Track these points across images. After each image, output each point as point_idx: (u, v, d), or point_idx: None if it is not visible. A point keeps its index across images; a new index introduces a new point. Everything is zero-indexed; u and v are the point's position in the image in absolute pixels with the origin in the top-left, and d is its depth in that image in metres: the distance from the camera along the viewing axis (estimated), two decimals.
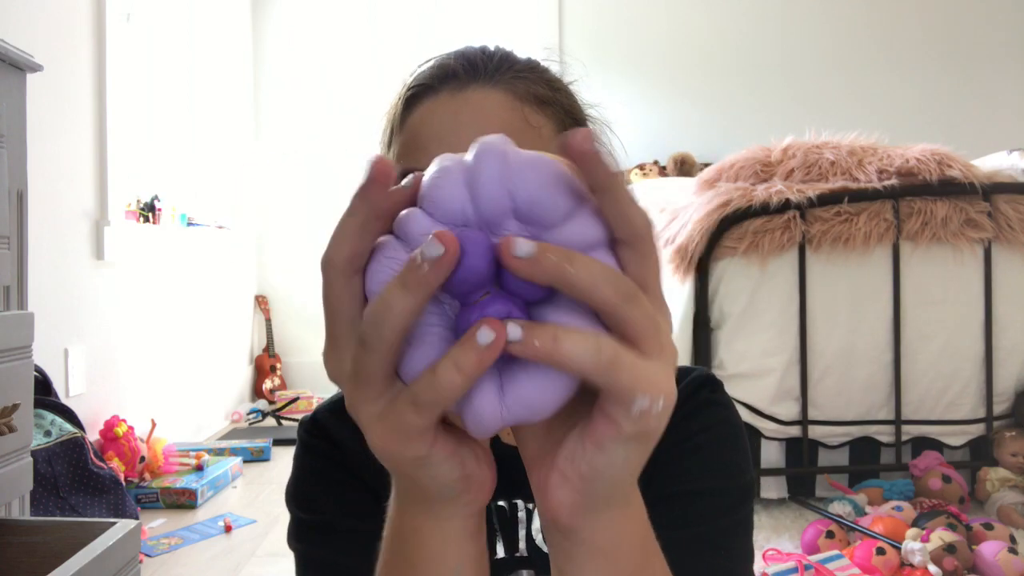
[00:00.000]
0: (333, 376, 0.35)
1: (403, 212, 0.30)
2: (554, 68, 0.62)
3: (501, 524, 0.58)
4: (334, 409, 0.63)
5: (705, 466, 0.58)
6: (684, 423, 0.59)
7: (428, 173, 0.30)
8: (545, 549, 0.56)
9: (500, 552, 0.57)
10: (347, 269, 0.32)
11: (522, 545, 0.57)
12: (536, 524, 0.57)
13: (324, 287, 0.33)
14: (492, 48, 0.59)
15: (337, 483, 0.59)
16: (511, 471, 0.57)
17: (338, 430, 0.61)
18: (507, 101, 0.55)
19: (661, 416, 0.31)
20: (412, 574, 0.39)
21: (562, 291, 0.28)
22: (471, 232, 0.28)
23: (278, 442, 2.74)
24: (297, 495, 0.60)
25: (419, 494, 0.37)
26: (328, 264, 0.33)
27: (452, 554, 0.38)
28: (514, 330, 0.27)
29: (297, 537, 0.59)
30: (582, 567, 0.35)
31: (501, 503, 0.58)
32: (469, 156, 0.29)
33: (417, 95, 0.57)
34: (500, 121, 0.54)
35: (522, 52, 0.61)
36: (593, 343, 0.28)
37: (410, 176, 0.32)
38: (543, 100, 0.57)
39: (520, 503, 0.58)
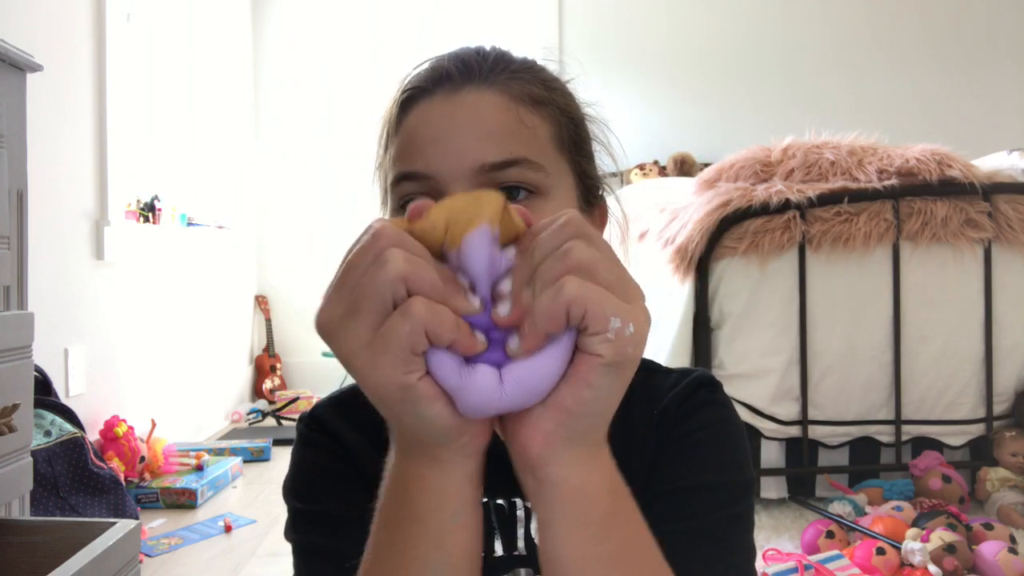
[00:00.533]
0: (321, 322, 0.39)
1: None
2: (552, 68, 0.62)
3: (500, 522, 0.57)
4: (334, 404, 0.63)
5: (703, 463, 0.58)
6: (683, 422, 0.60)
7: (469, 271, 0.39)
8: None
9: (498, 550, 0.56)
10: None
11: (520, 544, 0.57)
12: (533, 524, 0.57)
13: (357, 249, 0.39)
14: (487, 48, 0.59)
15: (336, 475, 0.59)
16: (511, 469, 0.57)
17: (337, 424, 0.61)
18: (502, 102, 0.55)
19: (636, 342, 0.36)
20: (412, 517, 0.41)
21: (541, 320, 0.37)
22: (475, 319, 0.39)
23: (278, 442, 2.74)
24: (296, 487, 0.60)
25: (416, 440, 0.40)
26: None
27: (452, 497, 0.41)
28: (512, 341, 0.37)
29: (295, 527, 0.59)
30: (554, 510, 0.38)
31: (500, 501, 0.58)
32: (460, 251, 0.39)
33: (412, 97, 0.57)
34: (495, 122, 0.55)
35: (520, 52, 0.62)
36: (554, 288, 0.35)
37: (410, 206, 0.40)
38: (538, 100, 0.57)
39: (519, 501, 0.58)
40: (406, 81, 0.58)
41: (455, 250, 0.39)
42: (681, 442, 0.59)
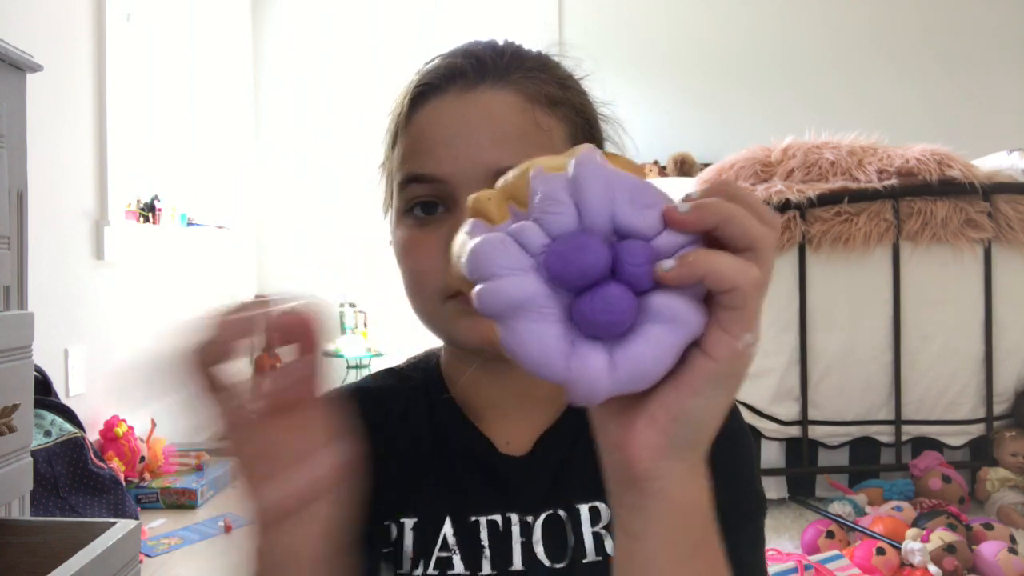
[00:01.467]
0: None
1: (519, 225, 0.33)
2: (566, 64, 0.60)
3: (491, 539, 0.55)
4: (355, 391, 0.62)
5: (722, 481, 0.56)
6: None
7: (535, 196, 0.33)
8: (547, 563, 0.54)
9: (486, 568, 0.54)
10: None
11: (517, 559, 0.54)
12: (536, 535, 0.55)
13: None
14: (501, 44, 0.56)
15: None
16: (507, 484, 0.56)
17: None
18: (517, 103, 0.53)
19: (751, 359, 0.35)
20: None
21: (709, 284, 0.32)
22: (589, 238, 0.32)
23: None
24: None
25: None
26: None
27: (309, 555, 0.40)
28: (668, 263, 0.32)
29: None
30: (652, 524, 0.36)
31: (493, 517, 0.55)
32: (570, 172, 0.33)
33: (423, 94, 0.55)
34: (510, 124, 0.52)
35: (532, 46, 0.59)
36: (743, 263, 0.31)
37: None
38: (554, 100, 0.55)
39: (514, 517, 0.55)
40: (417, 76, 0.56)
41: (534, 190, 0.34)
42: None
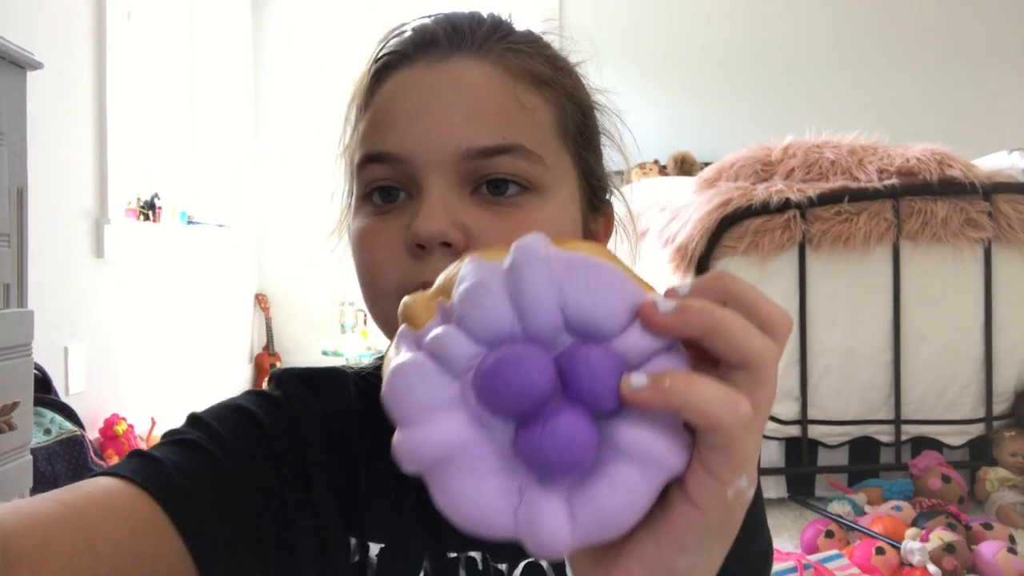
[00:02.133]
0: None
1: (437, 331, 0.27)
2: (564, 47, 0.54)
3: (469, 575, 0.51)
4: (304, 377, 0.53)
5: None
6: None
7: (460, 285, 0.27)
8: None
9: None
10: None
11: None
12: None
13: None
14: (484, 15, 0.50)
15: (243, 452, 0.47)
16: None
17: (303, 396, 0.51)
18: (496, 76, 0.46)
19: (744, 506, 0.27)
20: None
21: (686, 417, 0.25)
22: (527, 349, 0.26)
23: None
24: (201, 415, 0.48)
25: None
26: None
27: None
28: (638, 378, 0.25)
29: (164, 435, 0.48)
30: None
31: (472, 554, 0.51)
32: (507, 263, 0.27)
33: (389, 65, 0.48)
34: (486, 98, 0.45)
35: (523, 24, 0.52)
36: (731, 395, 0.25)
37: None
38: (541, 79, 0.48)
39: (477, 556, 0.50)
40: (383, 44, 0.49)
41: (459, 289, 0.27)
42: None
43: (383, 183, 0.46)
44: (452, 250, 0.43)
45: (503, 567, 0.50)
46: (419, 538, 0.50)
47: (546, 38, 0.53)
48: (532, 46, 0.50)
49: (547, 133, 0.48)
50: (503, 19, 0.51)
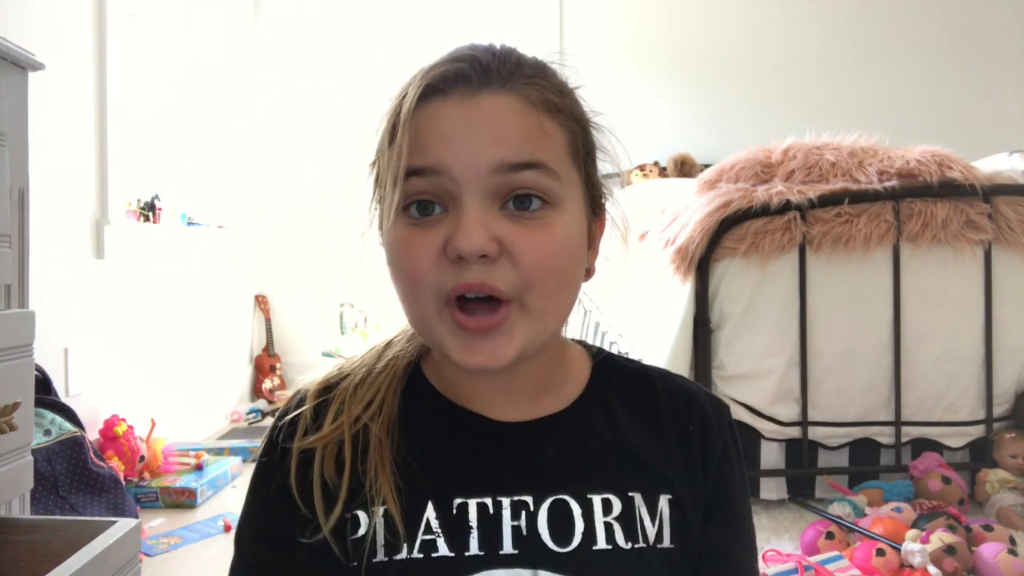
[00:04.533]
0: None
1: None
2: (564, 72, 0.60)
3: (480, 521, 0.54)
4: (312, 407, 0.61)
5: (744, 506, 0.63)
6: (727, 469, 0.61)
7: None
8: (551, 544, 0.54)
9: (473, 549, 0.53)
10: None
11: (508, 543, 0.53)
12: (542, 518, 0.54)
13: None
14: (499, 48, 0.56)
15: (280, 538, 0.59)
16: (494, 469, 0.57)
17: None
18: (521, 108, 0.53)
19: None
20: None
21: None
22: None
23: None
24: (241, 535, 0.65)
25: None
26: None
27: None
28: None
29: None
30: None
31: (484, 500, 0.55)
32: None
33: (426, 96, 0.54)
34: (515, 126, 0.52)
35: (527, 50, 0.59)
36: None
37: None
38: (555, 107, 0.55)
39: (505, 501, 0.55)
40: (420, 78, 0.55)
41: None
42: (736, 481, 0.62)
43: (422, 197, 0.52)
44: (488, 260, 0.51)
45: (528, 499, 0.55)
46: (423, 491, 0.55)
47: (551, 64, 0.60)
48: (544, 77, 0.56)
49: (562, 153, 0.55)
50: (517, 51, 0.57)
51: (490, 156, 0.51)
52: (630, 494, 0.56)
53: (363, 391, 0.59)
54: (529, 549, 0.53)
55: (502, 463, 0.57)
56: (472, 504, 0.54)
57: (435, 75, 0.54)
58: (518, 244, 0.51)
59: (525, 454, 0.57)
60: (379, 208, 0.57)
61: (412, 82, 0.55)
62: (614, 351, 0.66)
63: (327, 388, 0.61)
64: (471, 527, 0.54)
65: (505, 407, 0.59)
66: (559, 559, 0.53)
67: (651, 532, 0.55)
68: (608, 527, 0.54)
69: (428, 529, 0.54)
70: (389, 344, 0.64)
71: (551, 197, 0.53)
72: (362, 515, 0.55)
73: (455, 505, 0.54)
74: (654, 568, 0.55)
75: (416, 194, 0.52)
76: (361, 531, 0.54)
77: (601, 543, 0.54)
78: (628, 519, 0.55)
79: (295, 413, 0.60)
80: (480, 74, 0.53)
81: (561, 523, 0.54)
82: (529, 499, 0.55)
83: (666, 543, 0.56)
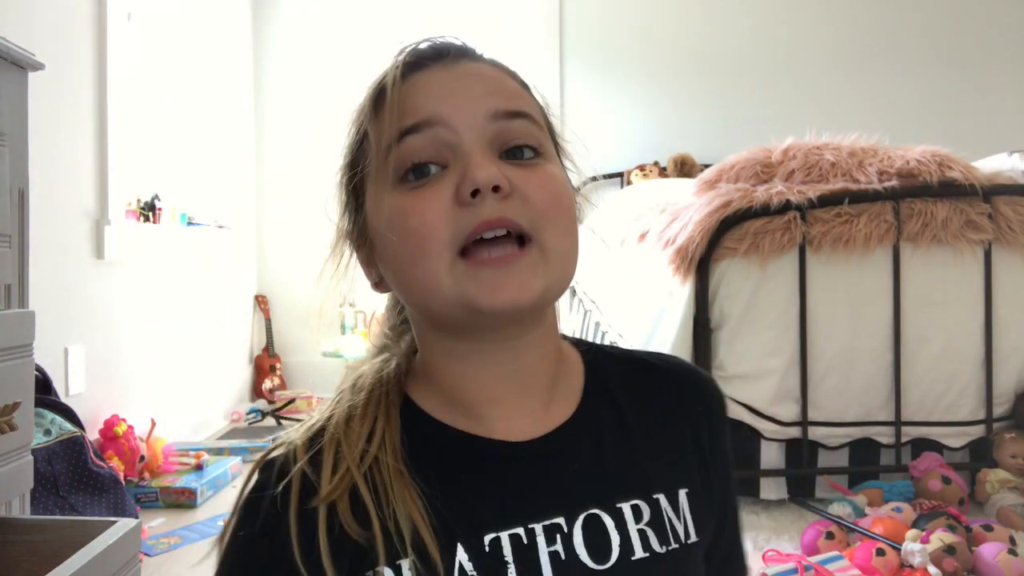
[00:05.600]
0: None
1: None
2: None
3: (515, 554, 0.50)
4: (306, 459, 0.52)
5: (737, 526, 0.65)
6: (721, 447, 0.61)
7: None
8: (591, 563, 0.51)
9: None
10: None
11: (548, 570, 0.50)
12: (578, 538, 0.51)
13: None
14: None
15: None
16: (524, 497, 0.52)
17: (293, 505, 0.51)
18: (502, 72, 0.56)
19: None
20: None
21: None
22: None
23: None
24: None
25: None
26: None
27: None
28: None
29: None
30: None
31: (516, 530, 0.51)
32: None
33: (408, 70, 0.54)
34: (502, 82, 0.54)
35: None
36: None
37: None
38: (523, 84, 0.58)
39: (537, 528, 0.51)
40: (397, 57, 0.55)
41: None
42: (725, 456, 0.62)
43: (420, 158, 0.51)
44: (502, 194, 0.49)
45: (560, 520, 0.51)
46: (449, 532, 0.50)
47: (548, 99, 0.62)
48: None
49: (539, 118, 0.56)
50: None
51: (485, 105, 0.51)
52: (655, 496, 0.54)
53: (356, 424, 0.52)
54: (570, 573, 0.50)
55: (528, 487, 0.53)
56: (504, 537, 0.50)
57: (412, 52, 0.55)
58: (525, 184, 0.51)
59: (551, 473, 0.53)
60: (368, 189, 0.55)
61: (393, 62, 0.55)
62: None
63: (316, 436, 0.53)
64: (507, 562, 0.50)
65: (520, 418, 0.54)
66: None
67: (680, 531, 0.54)
68: (642, 534, 0.53)
69: (463, 573, 0.49)
70: (354, 368, 0.59)
71: (542, 149, 0.53)
72: (388, 572, 0.48)
73: (487, 542, 0.50)
74: (690, 568, 0.55)
75: (414, 154, 0.51)
76: None
77: (639, 552, 0.52)
78: (658, 523, 0.54)
79: (281, 464, 0.52)
80: (456, 50, 0.55)
81: (597, 539, 0.52)
82: (562, 520, 0.52)
83: (693, 538, 0.55)
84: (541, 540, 0.51)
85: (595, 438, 0.55)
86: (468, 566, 0.49)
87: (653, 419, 0.58)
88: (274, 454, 0.54)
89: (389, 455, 0.51)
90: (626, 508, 0.53)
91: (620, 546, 0.51)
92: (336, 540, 0.48)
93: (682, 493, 0.56)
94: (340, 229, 0.62)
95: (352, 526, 0.48)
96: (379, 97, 0.55)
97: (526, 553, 0.50)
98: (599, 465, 0.54)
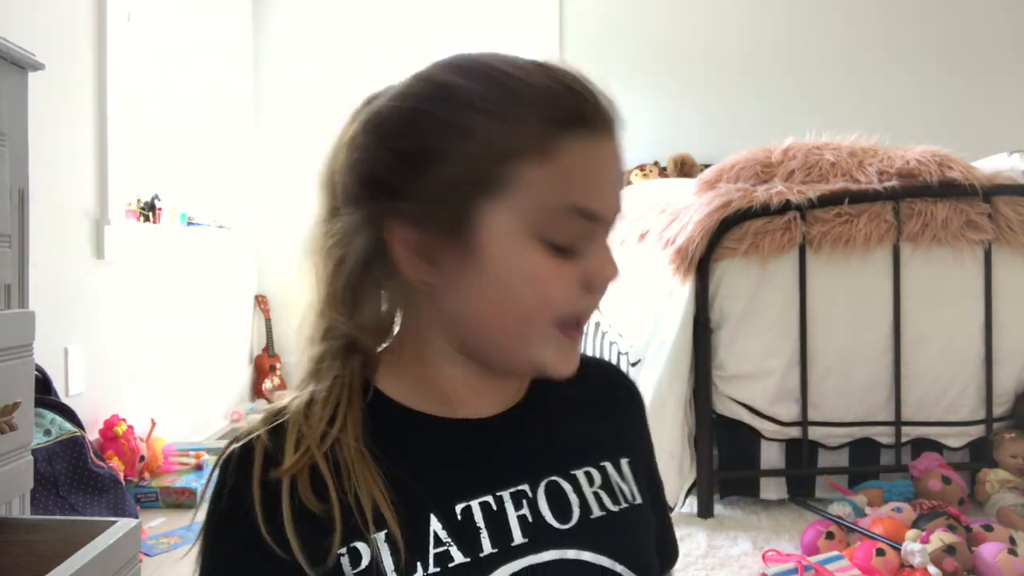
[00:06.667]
0: None
1: None
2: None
3: (486, 519, 0.54)
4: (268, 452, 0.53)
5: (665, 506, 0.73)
6: (645, 430, 0.69)
7: None
8: (556, 524, 0.55)
9: (487, 548, 0.53)
10: None
11: (517, 533, 0.54)
12: (542, 503, 0.56)
13: None
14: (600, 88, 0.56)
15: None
16: (495, 466, 0.57)
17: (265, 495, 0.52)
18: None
19: None
20: None
21: None
22: None
23: None
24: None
25: None
26: None
27: None
28: None
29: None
30: None
31: (485, 498, 0.55)
32: None
33: (569, 124, 0.51)
34: (623, 176, 0.57)
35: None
36: None
37: None
38: None
39: (505, 495, 0.55)
40: (559, 99, 0.51)
41: None
42: (652, 464, 0.69)
43: (575, 242, 0.53)
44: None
45: (526, 487, 0.56)
46: (420, 504, 0.53)
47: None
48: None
49: None
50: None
51: (620, 201, 0.56)
52: (602, 464, 0.61)
53: (319, 408, 0.54)
54: (538, 533, 0.55)
55: (493, 459, 0.58)
56: (475, 505, 0.55)
57: (586, 106, 0.52)
58: None
59: (511, 447, 0.59)
60: (485, 204, 0.51)
61: (554, 101, 0.51)
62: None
63: (277, 413, 0.55)
64: (479, 528, 0.54)
65: (483, 399, 0.59)
66: (566, 535, 0.56)
67: (628, 493, 0.61)
68: (597, 496, 0.59)
69: (438, 541, 0.52)
70: (320, 359, 0.57)
71: None
72: (362, 546, 0.51)
73: (458, 510, 0.54)
74: (641, 523, 0.62)
75: (576, 237, 0.52)
76: (364, 562, 0.51)
77: (596, 511, 0.58)
78: (608, 486, 0.60)
79: (244, 441, 0.54)
80: (615, 121, 0.55)
81: (559, 502, 0.57)
82: (526, 487, 0.57)
83: (638, 500, 0.62)
84: (509, 505, 0.55)
85: (547, 414, 0.62)
86: (443, 534, 0.52)
87: (588, 401, 0.66)
88: (239, 440, 0.55)
89: (351, 437, 0.53)
90: (580, 474, 0.59)
91: (580, 507, 0.57)
92: (299, 512, 0.50)
93: (624, 462, 0.63)
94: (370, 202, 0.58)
95: (311, 500, 0.50)
96: (551, 121, 0.50)
97: (497, 518, 0.54)
98: (553, 438, 0.61)
